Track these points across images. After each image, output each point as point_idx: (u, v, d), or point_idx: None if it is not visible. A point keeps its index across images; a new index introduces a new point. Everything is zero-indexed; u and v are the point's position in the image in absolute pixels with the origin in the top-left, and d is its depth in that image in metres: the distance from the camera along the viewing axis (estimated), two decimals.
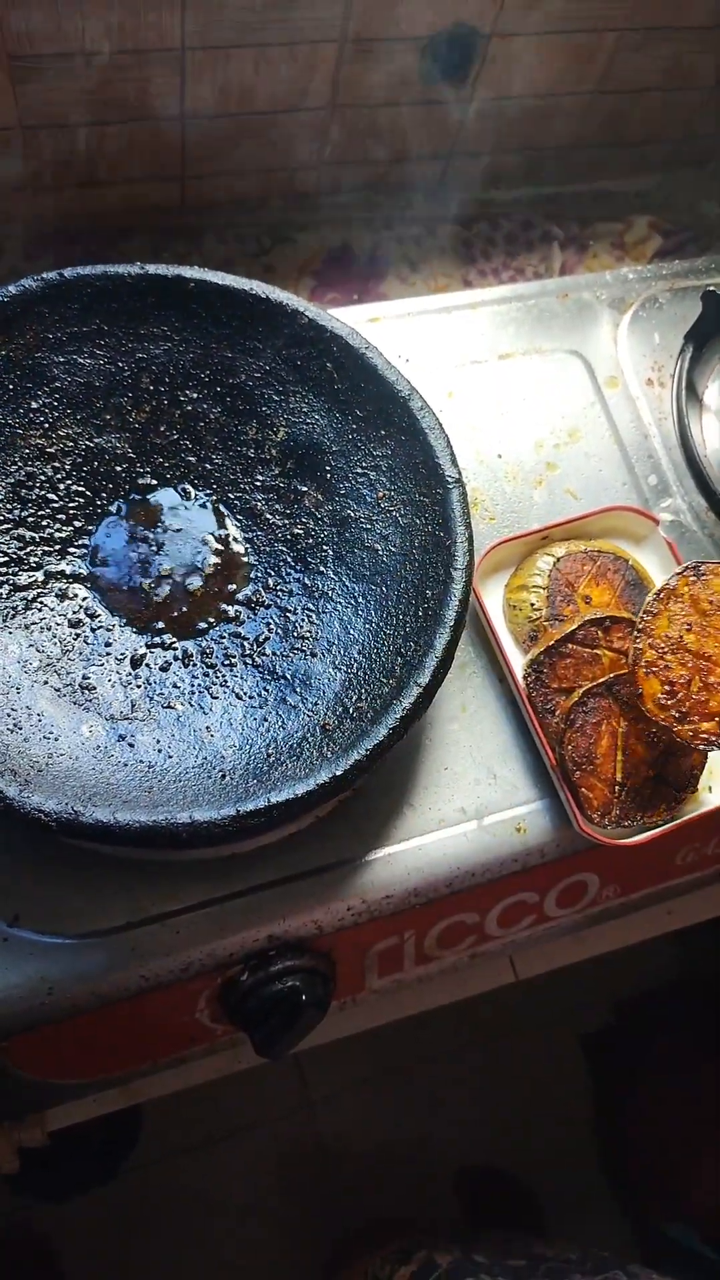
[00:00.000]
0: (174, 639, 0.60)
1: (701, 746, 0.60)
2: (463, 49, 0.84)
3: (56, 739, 0.54)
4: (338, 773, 0.52)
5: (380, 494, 0.62)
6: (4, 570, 0.58)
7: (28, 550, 0.59)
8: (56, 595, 0.59)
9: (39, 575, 0.59)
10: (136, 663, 0.59)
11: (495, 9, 0.82)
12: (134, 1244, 1.33)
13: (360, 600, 0.61)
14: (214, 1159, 1.38)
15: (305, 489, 0.64)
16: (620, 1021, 1.49)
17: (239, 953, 0.58)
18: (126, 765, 0.54)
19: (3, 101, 0.77)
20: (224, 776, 0.54)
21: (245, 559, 0.63)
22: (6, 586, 0.58)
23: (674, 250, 1.01)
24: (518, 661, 0.65)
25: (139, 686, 0.58)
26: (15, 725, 0.53)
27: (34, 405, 0.61)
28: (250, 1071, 0.74)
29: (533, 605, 0.66)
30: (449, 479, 0.60)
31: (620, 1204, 1.36)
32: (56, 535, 0.61)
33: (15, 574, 0.59)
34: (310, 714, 0.57)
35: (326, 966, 0.61)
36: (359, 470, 0.63)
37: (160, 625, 0.60)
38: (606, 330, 0.79)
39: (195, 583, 0.62)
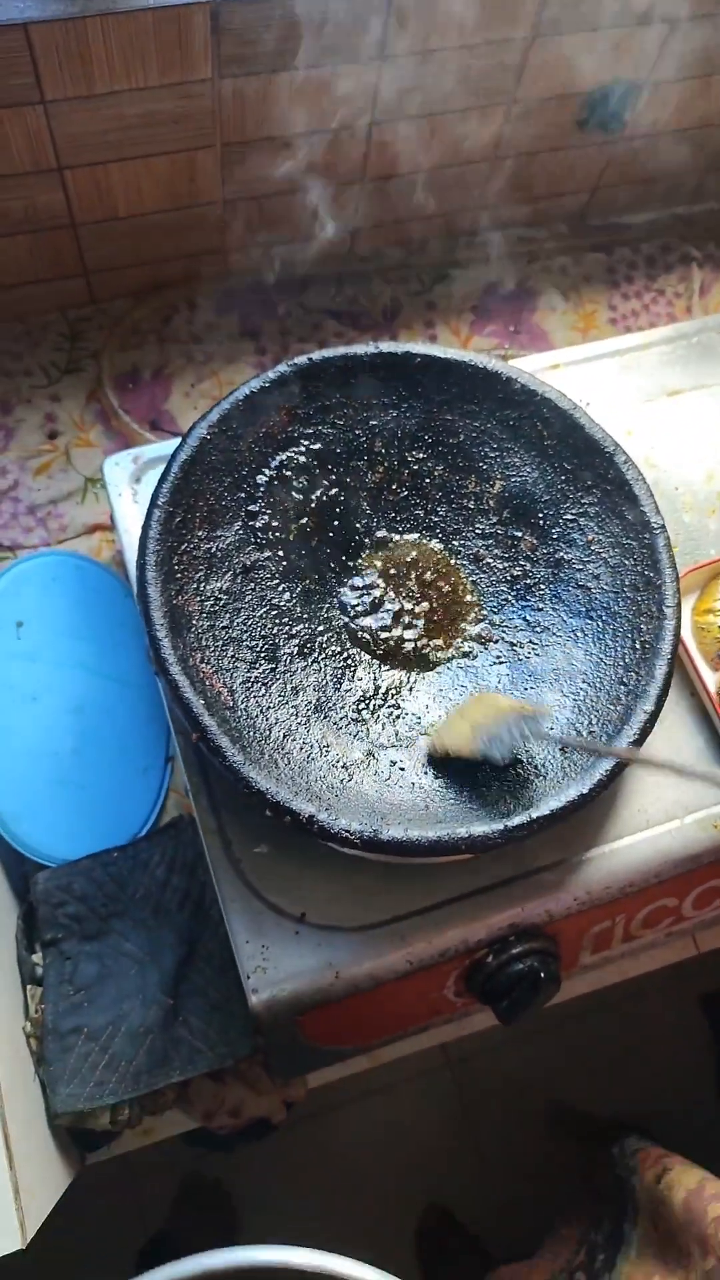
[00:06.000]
0: (419, 672, 0.70)
1: None
2: (622, 101, 0.91)
3: (345, 767, 0.64)
4: (584, 790, 0.62)
5: (590, 538, 0.71)
6: (286, 622, 0.68)
7: (302, 601, 0.69)
8: (327, 640, 0.69)
9: (315, 625, 0.69)
10: (391, 695, 0.68)
11: (652, 62, 0.88)
12: (294, 1188, 1.47)
13: (579, 634, 0.70)
14: (364, 1114, 1.50)
15: (521, 535, 0.73)
16: None
17: (486, 938, 0.68)
18: (401, 786, 0.64)
19: (213, 180, 0.86)
20: (483, 795, 0.64)
21: (472, 599, 0.72)
22: (295, 640, 0.68)
23: None
24: (709, 677, 0.74)
25: (398, 717, 0.68)
26: (310, 757, 0.63)
27: (287, 473, 0.71)
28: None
29: (719, 627, 0.74)
30: (654, 526, 0.69)
31: None
32: (314, 589, 0.71)
33: (296, 623, 0.69)
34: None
35: (554, 947, 0.71)
36: (569, 517, 0.72)
37: (406, 661, 0.70)
38: None
39: (431, 624, 0.71)
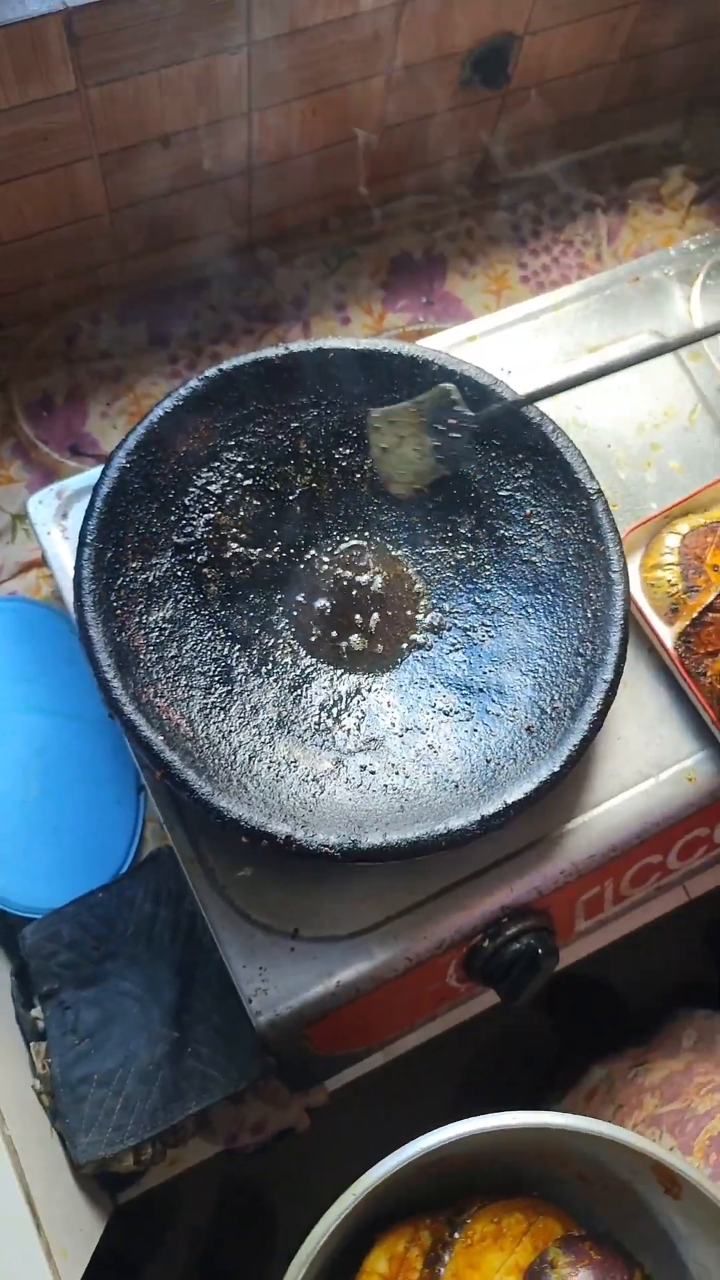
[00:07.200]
0: (378, 672, 0.69)
1: None
2: (502, 54, 0.89)
3: (315, 779, 0.63)
4: (555, 768, 0.62)
5: (528, 512, 0.70)
6: (236, 641, 0.67)
7: (248, 618, 0.68)
8: (280, 653, 0.68)
9: (266, 639, 0.68)
10: (352, 699, 0.68)
11: (527, 11, 0.86)
12: (327, 1176, 1.49)
13: (530, 610, 0.69)
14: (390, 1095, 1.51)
15: (459, 518, 0.72)
16: None
17: (479, 924, 0.69)
18: (375, 791, 0.63)
19: (96, 191, 0.83)
20: (457, 787, 0.64)
21: (420, 589, 0.71)
22: (247, 658, 0.66)
23: (710, 194, 1.06)
24: (665, 633, 0.74)
25: (362, 720, 0.67)
26: (278, 776, 0.63)
27: (214, 490, 0.69)
28: None
29: (669, 582, 0.74)
30: (590, 491, 0.68)
31: None
32: (259, 603, 0.69)
33: (246, 642, 0.67)
34: (512, 719, 0.66)
35: (548, 921, 0.71)
36: (504, 493, 0.71)
37: (363, 663, 0.69)
38: (680, 305, 0.85)
39: (382, 620, 0.70)
